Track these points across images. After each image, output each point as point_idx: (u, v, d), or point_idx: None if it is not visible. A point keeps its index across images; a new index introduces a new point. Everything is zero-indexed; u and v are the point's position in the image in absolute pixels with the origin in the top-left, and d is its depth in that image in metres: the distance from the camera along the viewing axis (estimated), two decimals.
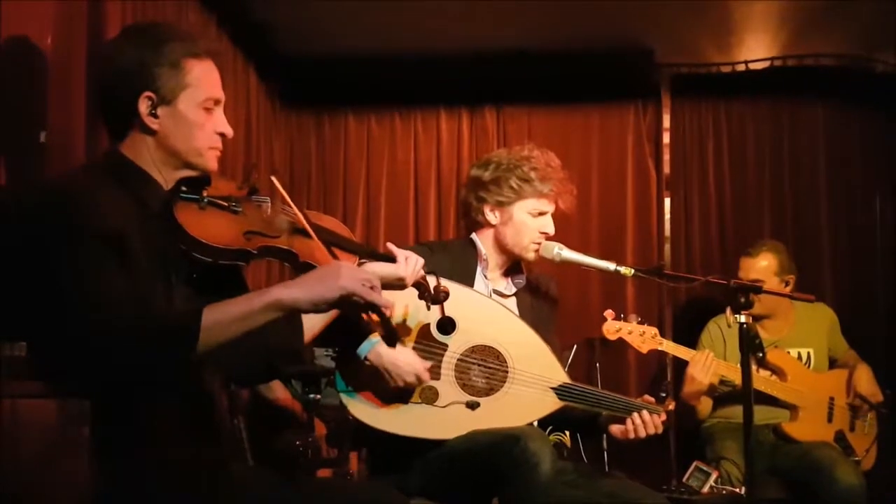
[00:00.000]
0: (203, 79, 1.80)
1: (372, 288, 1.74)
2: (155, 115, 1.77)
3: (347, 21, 3.97)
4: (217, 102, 1.83)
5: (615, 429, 2.63)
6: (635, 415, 2.57)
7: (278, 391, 3.65)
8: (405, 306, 2.48)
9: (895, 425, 3.80)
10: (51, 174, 2.28)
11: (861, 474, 3.29)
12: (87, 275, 1.61)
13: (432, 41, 4.22)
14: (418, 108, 4.81)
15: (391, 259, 2.13)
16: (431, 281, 2.21)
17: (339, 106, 4.83)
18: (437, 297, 2.21)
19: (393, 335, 1.90)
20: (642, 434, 2.57)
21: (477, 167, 2.84)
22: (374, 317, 1.81)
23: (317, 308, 1.75)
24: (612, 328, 3.15)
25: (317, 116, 4.85)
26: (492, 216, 2.77)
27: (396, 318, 2.47)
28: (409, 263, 2.13)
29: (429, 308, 2.25)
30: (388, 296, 2.12)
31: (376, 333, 2.37)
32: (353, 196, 4.80)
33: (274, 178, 1.94)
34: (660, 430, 2.59)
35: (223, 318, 1.64)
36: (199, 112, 1.80)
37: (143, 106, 1.76)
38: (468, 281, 2.70)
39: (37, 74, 2.35)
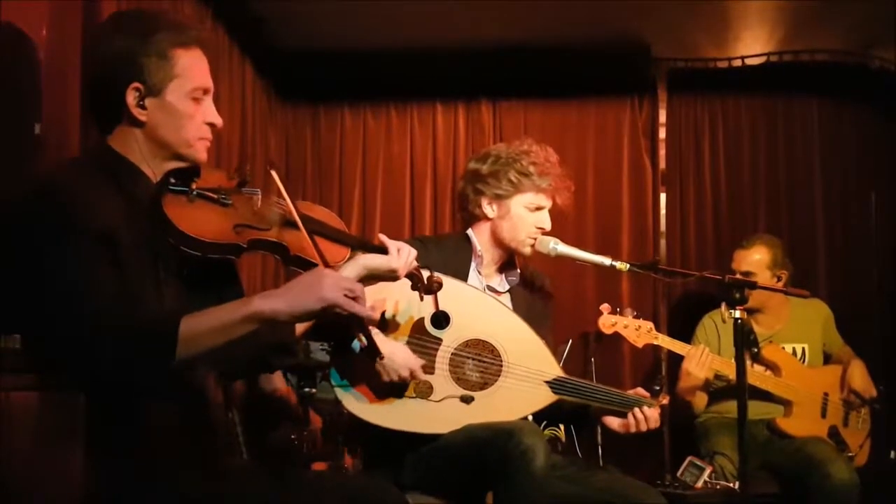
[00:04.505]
0: (191, 68, 1.78)
1: (355, 298, 1.72)
2: (143, 107, 1.75)
3: (343, 15, 3.97)
4: (206, 92, 1.81)
5: (615, 423, 2.64)
6: (636, 410, 2.58)
7: (276, 382, 3.65)
8: (396, 301, 2.48)
9: (889, 421, 3.81)
10: (40, 168, 2.27)
11: (854, 470, 3.30)
12: (73, 271, 1.60)
13: (428, 35, 4.21)
14: (414, 102, 4.80)
15: (383, 250, 2.12)
16: (424, 272, 2.21)
17: (335, 100, 4.82)
18: (430, 288, 2.21)
19: (374, 350, 1.88)
20: (643, 429, 2.59)
21: (476, 160, 2.84)
22: (357, 331, 1.79)
23: (298, 319, 1.73)
24: (608, 322, 3.15)
25: (313, 110, 4.85)
26: (489, 209, 2.77)
27: (389, 313, 2.47)
28: (402, 254, 2.12)
29: (422, 299, 2.24)
30: (380, 287, 2.11)
31: (371, 327, 2.37)
32: (349, 190, 4.79)
33: (273, 172, 1.92)
34: (658, 425, 2.61)
35: (201, 328, 1.62)
36: (187, 102, 1.78)
37: (131, 97, 1.74)
38: (462, 277, 2.70)
39: (31, 66, 2.34)
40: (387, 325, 2.48)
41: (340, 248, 1.97)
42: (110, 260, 1.63)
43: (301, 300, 1.68)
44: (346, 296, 1.70)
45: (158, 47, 1.75)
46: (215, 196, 1.79)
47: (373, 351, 1.88)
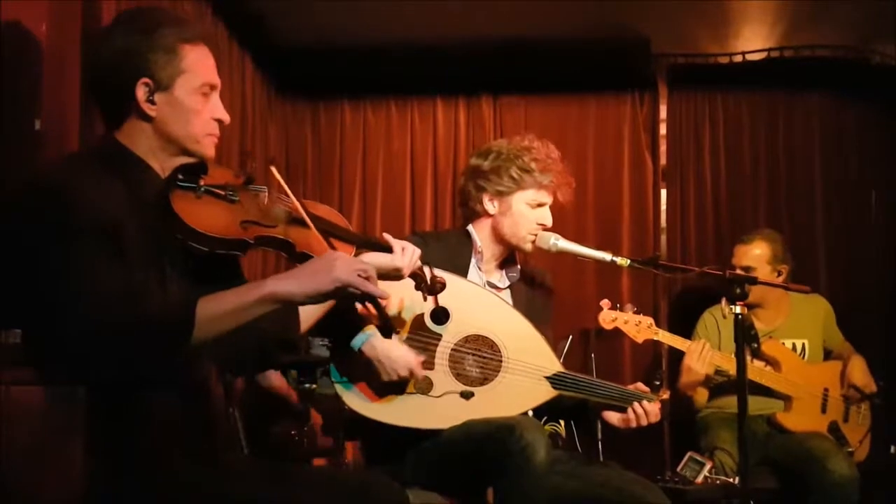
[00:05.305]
0: (199, 64, 1.79)
1: (368, 278, 1.73)
2: (152, 102, 1.76)
3: (343, 10, 3.96)
4: (213, 88, 1.82)
5: (616, 417, 2.64)
6: (636, 404, 2.58)
7: (274, 380, 3.65)
8: (400, 298, 2.47)
9: (889, 416, 3.81)
10: (45, 162, 2.27)
11: (854, 465, 3.31)
12: (79, 268, 1.59)
13: (429, 31, 4.20)
14: (415, 97, 4.80)
15: (388, 249, 2.12)
16: (428, 271, 2.20)
17: (335, 95, 4.82)
18: (434, 288, 2.21)
19: (389, 326, 1.89)
20: (644, 423, 2.59)
21: (477, 156, 2.83)
22: (371, 307, 1.81)
23: (312, 300, 1.74)
24: (608, 317, 3.15)
25: (312, 106, 4.84)
26: (490, 206, 2.77)
27: (391, 309, 2.47)
28: (406, 253, 2.12)
29: (425, 299, 2.24)
30: (382, 286, 2.11)
31: (371, 326, 2.37)
32: (349, 186, 4.78)
33: (273, 168, 1.93)
34: (658, 419, 2.61)
35: (217, 310, 1.63)
36: (195, 98, 1.79)
37: (141, 92, 1.75)
38: (462, 273, 2.69)
39: (32, 62, 2.34)
40: None
41: (346, 245, 1.98)
42: (114, 254, 1.63)
43: (315, 282, 1.70)
44: (359, 276, 1.71)
45: (164, 42, 1.75)
46: (223, 193, 1.81)
47: (387, 328, 1.89)
